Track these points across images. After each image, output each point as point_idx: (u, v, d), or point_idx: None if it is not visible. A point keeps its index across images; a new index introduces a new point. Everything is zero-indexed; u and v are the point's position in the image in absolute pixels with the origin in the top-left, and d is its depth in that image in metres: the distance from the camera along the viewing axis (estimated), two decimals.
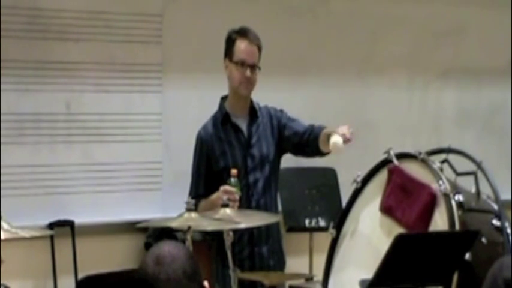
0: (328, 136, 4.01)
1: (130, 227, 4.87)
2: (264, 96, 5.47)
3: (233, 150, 4.27)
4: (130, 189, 5.21)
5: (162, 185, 5.27)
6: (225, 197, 3.85)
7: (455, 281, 3.59)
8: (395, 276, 3.45)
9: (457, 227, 3.70)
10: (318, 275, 4.37)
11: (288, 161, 5.55)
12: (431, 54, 6.02)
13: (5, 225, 3.28)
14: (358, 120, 5.80)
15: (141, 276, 2.18)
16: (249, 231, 4.16)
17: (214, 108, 5.45)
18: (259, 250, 4.20)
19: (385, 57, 5.88)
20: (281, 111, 4.39)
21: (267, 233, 4.23)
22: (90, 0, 5.10)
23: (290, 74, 5.60)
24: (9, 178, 4.86)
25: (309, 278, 4.88)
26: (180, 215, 3.54)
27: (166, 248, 2.22)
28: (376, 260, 3.43)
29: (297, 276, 4.82)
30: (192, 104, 5.36)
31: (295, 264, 5.32)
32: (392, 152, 4.08)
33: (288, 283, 4.87)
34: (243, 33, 4.24)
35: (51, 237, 4.95)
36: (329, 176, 5.51)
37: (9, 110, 4.90)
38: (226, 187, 4.01)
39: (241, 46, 4.21)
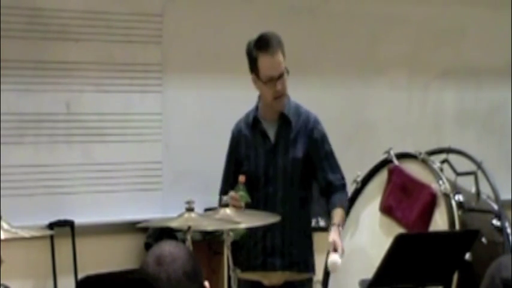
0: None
1: (131, 227, 4.87)
2: None
3: (257, 157, 4.06)
4: (130, 189, 5.21)
5: (162, 185, 5.28)
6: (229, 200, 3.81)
7: (455, 281, 3.60)
8: (395, 276, 3.45)
9: (457, 227, 3.70)
10: (318, 275, 4.36)
11: None
12: (431, 54, 6.02)
13: (5, 225, 3.28)
14: (358, 120, 5.82)
15: (142, 276, 2.18)
16: (263, 242, 4.06)
17: (214, 108, 5.48)
18: (272, 261, 4.10)
19: (385, 57, 5.88)
20: (322, 136, 4.06)
21: (282, 247, 4.05)
22: (90, 0, 5.10)
23: (290, 74, 5.59)
24: (9, 178, 4.86)
25: (309, 278, 4.88)
26: (180, 215, 3.54)
27: (167, 248, 2.22)
28: (376, 260, 3.43)
29: (297, 276, 4.82)
30: (192, 104, 5.37)
31: None
32: (392, 152, 4.09)
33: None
34: (262, 47, 3.96)
35: (51, 237, 4.95)
36: None
37: (10, 110, 4.90)
38: (232, 194, 3.87)
39: (265, 63, 3.94)
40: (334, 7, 5.73)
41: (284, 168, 4.00)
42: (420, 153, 3.99)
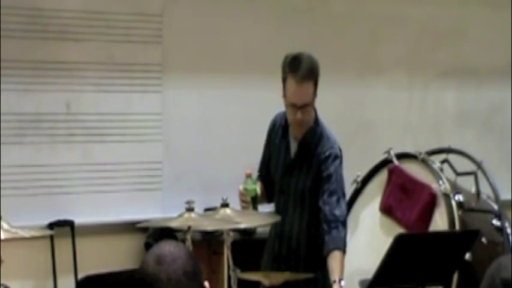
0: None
1: (131, 227, 4.87)
2: (264, 95, 5.49)
3: (278, 162, 3.99)
4: (130, 189, 5.21)
5: (162, 185, 5.28)
6: (240, 201, 3.82)
7: (455, 281, 3.60)
8: (395, 276, 3.45)
9: (457, 227, 3.70)
10: None
11: None
12: (431, 54, 6.02)
13: (5, 225, 3.28)
14: (358, 120, 5.82)
15: (142, 275, 2.18)
16: (271, 249, 4.04)
17: (214, 108, 5.48)
18: (284, 269, 4.07)
19: (385, 57, 5.88)
20: (327, 165, 3.86)
21: (288, 258, 3.99)
22: (90, 0, 5.10)
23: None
24: (9, 178, 4.86)
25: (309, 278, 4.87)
26: (180, 215, 3.54)
27: (167, 247, 2.22)
28: (376, 260, 3.43)
29: (297, 276, 4.82)
30: (192, 104, 5.37)
31: None
32: (392, 152, 4.09)
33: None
34: (294, 69, 3.80)
35: (51, 237, 4.95)
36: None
37: (10, 110, 4.90)
38: (240, 189, 3.84)
39: (292, 87, 3.80)
40: (334, 7, 5.72)
41: (295, 188, 3.92)
42: (420, 153, 3.99)
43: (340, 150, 3.94)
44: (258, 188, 3.87)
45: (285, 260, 3.99)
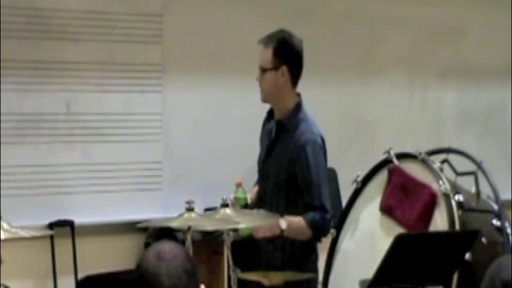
0: None
1: (131, 227, 4.87)
2: None
3: (263, 150, 4.14)
4: (130, 189, 5.21)
5: (162, 185, 5.28)
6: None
7: (455, 281, 3.59)
8: (395, 276, 3.45)
9: (457, 227, 3.70)
10: (318, 275, 4.36)
11: None
12: (431, 54, 6.02)
13: (5, 225, 3.28)
14: (358, 120, 5.82)
15: (142, 271, 2.18)
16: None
17: (214, 108, 5.48)
18: (257, 260, 4.10)
19: (385, 57, 5.88)
20: (305, 154, 3.93)
21: (266, 247, 4.04)
22: (90, 0, 5.10)
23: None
24: (9, 178, 4.86)
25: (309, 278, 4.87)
26: (180, 215, 3.54)
27: (167, 246, 2.23)
28: (376, 260, 3.43)
29: (297, 276, 4.82)
30: (192, 104, 5.36)
31: None
32: (392, 152, 4.08)
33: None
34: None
35: (51, 237, 4.95)
36: (329, 176, 5.50)
37: (10, 110, 4.90)
38: (231, 197, 3.88)
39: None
40: (334, 7, 5.72)
41: (273, 171, 4.02)
42: (420, 153, 3.98)
43: (323, 140, 4.04)
44: (248, 196, 3.95)
45: (264, 246, 4.01)
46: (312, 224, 3.87)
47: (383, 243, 3.52)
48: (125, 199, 5.18)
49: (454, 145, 4.25)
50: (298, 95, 4.10)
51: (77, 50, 5.06)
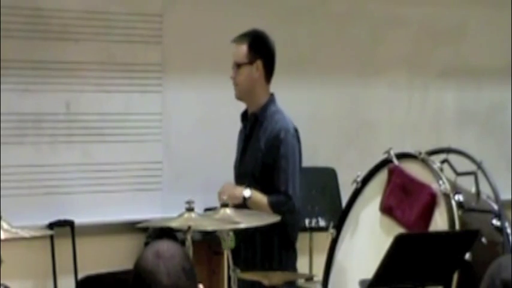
0: None
1: (131, 227, 4.87)
2: None
3: (238, 150, 4.29)
4: (130, 189, 5.21)
5: (162, 185, 5.27)
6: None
7: (455, 281, 3.59)
8: (395, 276, 3.45)
9: (457, 227, 3.70)
10: (318, 275, 4.36)
11: None
12: (431, 54, 6.02)
13: (5, 225, 3.28)
14: (358, 120, 5.82)
15: (141, 268, 2.18)
16: None
17: (214, 108, 5.48)
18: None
19: (385, 57, 5.88)
20: (279, 142, 4.10)
21: (244, 244, 4.08)
22: (90, 0, 5.10)
23: (290, 73, 5.60)
24: (9, 178, 4.86)
25: (309, 278, 4.88)
26: (180, 215, 3.54)
27: (165, 244, 2.24)
28: (376, 260, 3.43)
29: (297, 276, 4.82)
30: (192, 104, 5.36)
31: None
32: (392, 152, 4.08)
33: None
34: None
35: (51, 237, 4.95)
36: (329, 176, 5.51)
37: (10, 110, 4.90)
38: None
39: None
40: (334, 7, 5.73)
41: (249, 164, 4.15)
42: (420, 153, 3.98)
43: (297, 132, 4.16)
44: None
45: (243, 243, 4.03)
46: (272, 204, 4.02)
47: (383, 243, 3.52)
48: (125, 199, 5.18)
49: (454, 145, 4.25)
50: (272, 94, 4.23)
51: (77, 50, 5.06)
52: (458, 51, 6.09)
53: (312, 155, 5.64)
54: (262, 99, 4.18)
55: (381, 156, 4.14)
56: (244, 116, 4.28)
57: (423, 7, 5.94)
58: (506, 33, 6.11)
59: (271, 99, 4.21)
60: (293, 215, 4.10)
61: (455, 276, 3.60)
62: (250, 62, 4.16)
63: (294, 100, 5.57)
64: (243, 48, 4.16)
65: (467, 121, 6.16)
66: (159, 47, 5.26)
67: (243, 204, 4.04)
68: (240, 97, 4.24)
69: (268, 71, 4.20)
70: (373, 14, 5.82)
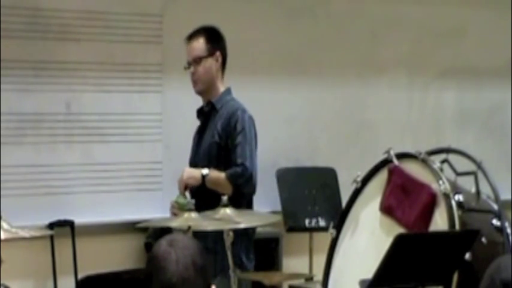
0: None
1: (131, 227, 4.87)
2: (264, 96, 5.49)
3: (194, 141, 4.44)
4: (130, 189, 5.21)
5: (162, 185, 5.27)
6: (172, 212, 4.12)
7: (455, 281, 3.59)
8: (395, 276, 3.45)
9: (457, 227, 3.70)
10: (318, 275, 4.36)
11: (288, 161, 5.57)
12: (431, 54, 6.02)
13: (5, 225, 3.28)
14: (358, 120, 5.82)
15: (152, 254, 2.21)
16: None
17: None
18: None
19: (385, 57, 5.88)
20: (236, 118, 4.25)
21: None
22: (90, 0, 5.10)
23: (290, 74, 5.60)
24: (9, 178, 4.86)
25: (309, 278, 4.88)
26: (180, 215, 3.54)
27: (182, 236, 2.30)
28: (376, 260, 3.43)
29: (297, 276, 4.82)
30: (192, 104, 5.34)
31: (295, 264, 5.32)
32: (392, 152, 4.08)
33: (288, 283, 4.87)
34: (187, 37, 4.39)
35: (51, 237, 4.94)
36: (329, 176, 5.51)
37: (10, 110, 4.90)
38: (172, 200, 4.19)
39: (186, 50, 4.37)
40: (334, 7, 5.73)
41: (203, 154, 4.27)
42: (420, 153, 3.98)
43: (251, 117, 4.28)
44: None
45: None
46: (230, 177, 4.13)
47: (383, 243, 3.52)
48: (125, 199, 5.18)
49: (454, 145, 4.25)
50: (229, 87, 4.39)
51: (77, 50, 5.06)
52: (458, 51, 6.09)
53: (312, 155, 5.66)
54: (220, 91, 4.35)
55: (381, 156, 4.14)
56: (200, 112, 4.40)
57: (423, 7, 5.94)
58: (506, 33, 6.10)
59: (229, 90, 4.38)
60: (250, 183, 4.21)
61: (455, 276, 3.60)
62: (211, 54, 4.32)
63: (294, 100, 5.58)
64: (200, 42, 4.32)
65: (467, 121, 6.16)
66: (159, 47, 5.26)
67: (203, 187, 4.10)
68: (201, 91, 4.37)
69: (224, 63, 4.38)
70: (373, 14, 5.82)
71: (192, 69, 4.32)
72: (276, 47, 5.52)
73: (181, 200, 4.08)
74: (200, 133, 4.40)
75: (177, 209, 4.07)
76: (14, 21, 4.89)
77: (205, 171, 4.15)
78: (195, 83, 4.35)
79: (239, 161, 4.18)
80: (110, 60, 5.14)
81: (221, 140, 4.23)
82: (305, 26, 5.64)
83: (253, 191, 4.25)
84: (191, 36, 4.36)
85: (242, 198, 4.18)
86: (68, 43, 5.03)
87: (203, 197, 4.01)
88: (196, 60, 4.31)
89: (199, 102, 5.37)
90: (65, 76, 5.05)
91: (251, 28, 5.48)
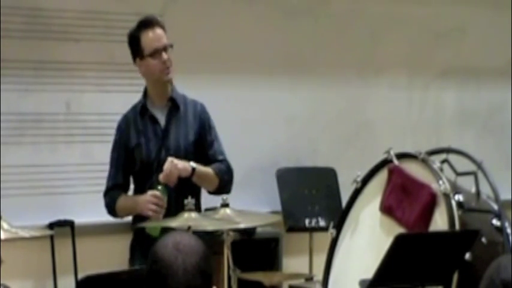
0: None
1: (130, 227, 4.86)
2: (264, 96, 5.49)
3: (148, 143, 4.21)
4: (130, 189, 5.20)
5: None
6: (152, 206, 3.98)
7: (455, 281, 3.59)
8: (395, 276, 3.45)
9: (457, 227, 3.70)
10: (318, 275, 4.37)
11: (288, 161, 5.57)
12: (431, 54, 6.02)
13: (5, 225, 3.28)
14: (358, 120, 5.82)
15: (157, 257, 2.17)
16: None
17: (214, 108, 5.46)
18: None
19: (385, 57, 5.88)
20: (210, 123, 4.30)
21: None
22: (90, 0, 5.10)
23: (290, 74, 5.60)
24: (9, 178, 4.86)
25: (309, 278, 4.88)
26: (180, 215, 3.54)
27: (187, 238, 2.22)
28: (376, 260, 3.43)
29: (297, 276, 4.82)
30: None
31: (295, 264, 5.32)
32: (392, 152, 4.08)
33: (288, 283, 4.87)
34: (143, 25, 4.20)
35: (51, 237, 4.94)
36: (329, 176, 5.51)
37: (10, 110, 4.90)
38: (156, 192, 4.02)
39: (148, 37, 4.16)
40: (334, 7, 5.73)
41: (176, 151, 4.14)
42: (420, 153, 3.98)
43: None
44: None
45: None
46: (219, 173, 4.14)
47: (383, 243, 3.52)
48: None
49: (454, 145, 4.25)
50: None
51: (77, 50, 5.06)
52: (458, 51, 6.09)
53: (312, 155, 5.66)
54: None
55: (381, 156, 4.15)
56: (143, 111, 4.26)
57: (423, 7, 5.94)
58: (506, 33, 6.11)
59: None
60: (232, 181, 4.24)
61: (455, 276, 3.60)
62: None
63: (294, 100, 5.58)
64: (162, 31, 4.22)
65: (467, 121, 6.16)
66: None
67: (188, 181, 4.05)
68: (171, 80, 4.27)
69: None
70: (373, 14, 5.82)
71: (165, 56, 4.17)
72: (275, 47, 5.51)
73: (165, 191, 4.03)
74: (166, 127, 4.21)
75: (162, 199, 4.00)
76: (14, 21, 4.89)
77: (193, 164, 4.07)
78: (169, 70, 4.20)
79: (220, 157, 4.21)
80: (110, 60, 5.13)
81: (197, 137, 4.20)
82: (305, 26, 5.64)
83: (230, 189, 4.23)
84: (153, 23, 4.20)
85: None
86: (68, 43, 5.03)
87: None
88: (167, 48, 4.19)
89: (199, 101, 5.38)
90: (65, 76, 5.05)
91: (251, 28, 5.48)
